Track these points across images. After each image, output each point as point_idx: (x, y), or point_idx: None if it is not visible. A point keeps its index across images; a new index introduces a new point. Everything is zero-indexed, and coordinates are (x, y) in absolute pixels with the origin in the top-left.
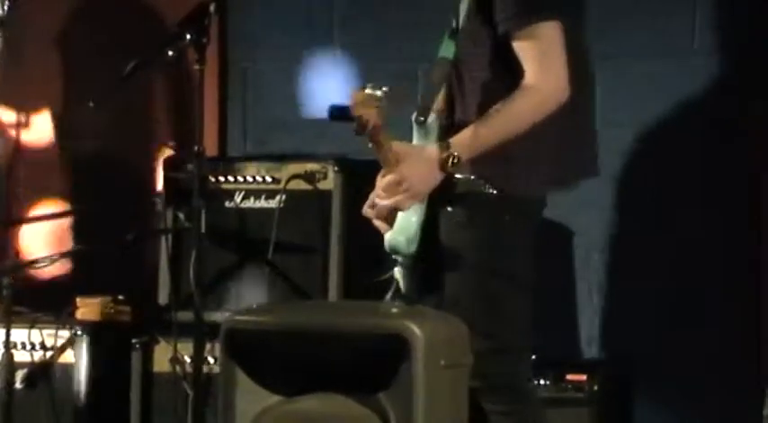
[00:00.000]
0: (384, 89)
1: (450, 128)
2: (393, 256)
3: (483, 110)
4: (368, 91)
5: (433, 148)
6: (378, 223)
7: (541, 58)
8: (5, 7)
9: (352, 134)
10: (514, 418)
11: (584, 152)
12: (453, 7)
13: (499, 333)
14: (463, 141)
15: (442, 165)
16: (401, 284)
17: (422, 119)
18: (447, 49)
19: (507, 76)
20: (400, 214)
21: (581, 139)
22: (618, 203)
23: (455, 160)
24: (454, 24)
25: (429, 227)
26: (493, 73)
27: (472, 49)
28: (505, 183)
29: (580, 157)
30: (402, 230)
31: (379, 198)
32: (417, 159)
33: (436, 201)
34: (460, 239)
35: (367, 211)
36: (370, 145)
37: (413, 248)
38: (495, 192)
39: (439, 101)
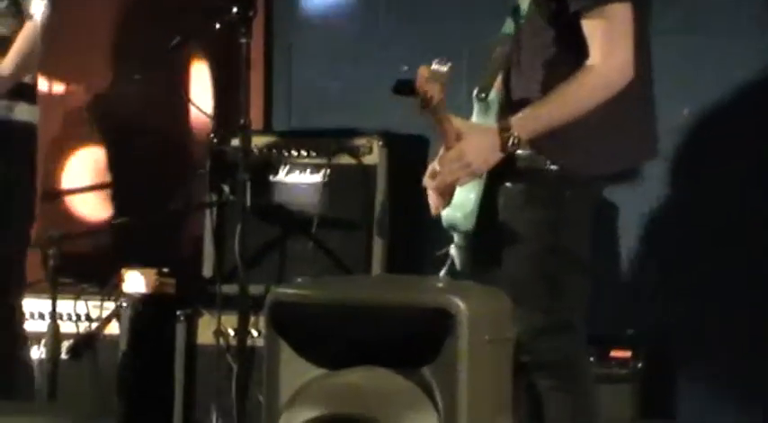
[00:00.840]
0: (450, 65)
1: (509, 105)
2: (450, 233)
3: (546, 88)
4: (434, 67)
5: (493, 127)
6: (432, 197)
7: (610, 39)
8: None
9: (397, 109)
10: (569, 395)
11: (646, 135)
12: None
13: (559, 309)
14: (524, 121)
15: (503, 144)
16: (456, 261)
17: (483, 95)
18: (509, 26)
19: (571, 54)
20: (458, 190)
21: (643, 122)
22: (664, 179)
23: (515, 140)
24: (516, 1)
25: (487, 203)
26: (557, 51)
27: (537, 26)
28: (566, 159)
29: (641, 140)
30: (460, 206)
31: (440, 173)
32: (478, 137)
33: (495, 177)
34: (519, 215)
35: (427, 181)
36: (431, 120)
37: (470, 225)
38: (555, 168)
39: (500, 78)
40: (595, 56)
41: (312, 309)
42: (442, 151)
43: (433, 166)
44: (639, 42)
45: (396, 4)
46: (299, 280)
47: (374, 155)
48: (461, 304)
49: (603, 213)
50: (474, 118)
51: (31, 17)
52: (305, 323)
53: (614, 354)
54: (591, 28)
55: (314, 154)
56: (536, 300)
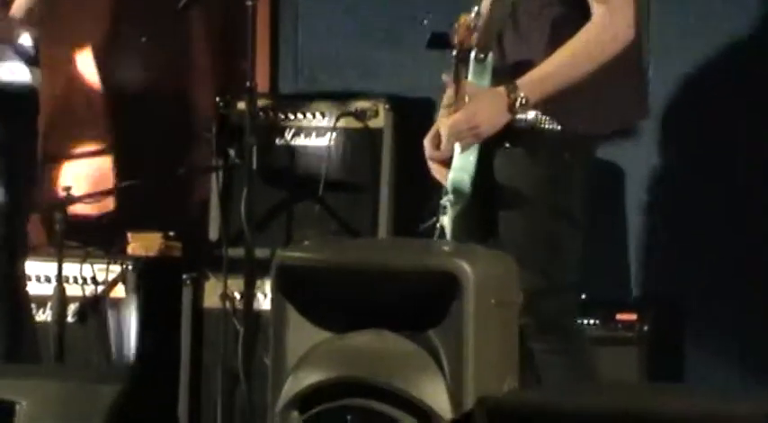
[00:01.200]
0: (480, 14)
1: (505, 68)
2: (443, 202)
3: (552, 48)
4: (471, 16)
5: (501, 90)
6: (436, 167)
7: None
8: None
9: (404, 72)
10: (564, 357)
11: (638, 95)
12: None
13: (556, 272)
14: (531, 82)
15: (511, 106)
16: (447, 232)
17: (482, 56)
18: None
19: (575, 12)
20: (457, 153)
21: (637, 80)
22: (669, 144)
23: (523, 101)
24: None
25: (484, 165)
26: (561, 9)
27: None
28: (568, 120)
29: (634, 100)
30: (463, 169)
31: (448, 137)
32: (487, 100)
33: (493, 138)
34: (519, 177)
35: (432, 151)
36: (455, 74)
37: (470, 187)
38: (557, 128)
39: (461, 36)
40: (599, 13)
41: (318, 272)
42: (443, 112)
43: (434, 131)
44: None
45: None
46: (306, 243)
47: (380, 118)
48: (468, 268)
49: (608, 176)
50: (469, 79)
51: None
52: (311, 286)
53: (620, 317)
54: None
55: (320, 117)
56: (535, 261)
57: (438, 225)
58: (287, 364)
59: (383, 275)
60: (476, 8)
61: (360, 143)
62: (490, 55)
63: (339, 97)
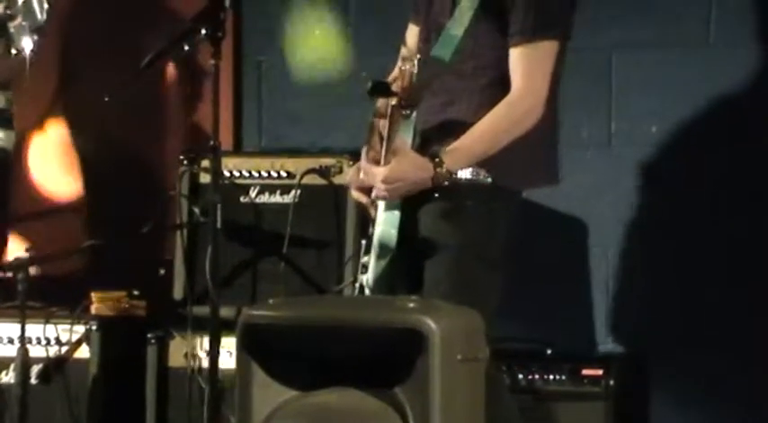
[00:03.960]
0: (418, 61)
1: (436, 125)
2: (363, 260)
3: (483, 110)
4: (414, 65)
5: (425, 161)
6: (361, 195)
7: (533, 73)
8: (44, 15)
9: (366, 127)
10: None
11: (553, 160)
12: (441, 7)
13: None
14: (455, 154)
15: (435, 180)
16: (367, 290)
17: (407, 112)
18: (441, 49)
19: (502, 81)
20: (381, 209)
21: (551, 147)
22: (633, 197)
23: (446, 173)
24: (446, 24)
25: (408, 216)
26: (493, 77)
27: (476, 52)
28: (504, 175)
29: (546, 166)
30: (389, 223)
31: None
32: (412, 166)
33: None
34: (447, 225)
35: (357, 193)
36: (394, 123)
37: (397, 241)
38: (487, 181)
39: (405, 85)
40: (517, 87)
41: (284, 330)
42: (364, 154)
43: (358, 170)
44: (558, 76)
45: (366, 21)
46: (271, 301)
47: (344, 174)
48: (433, 324)
49: (574, 231)
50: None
51: (19, 52)
52: (277, 344)
53: (586, 371)
54: (519, 60)
55: (284, 174)
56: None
57: (357, 284)
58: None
59: (349, 333)
60: (417, 57)
61: (324, 200)
62: (415, 112)
63: (303, 154)
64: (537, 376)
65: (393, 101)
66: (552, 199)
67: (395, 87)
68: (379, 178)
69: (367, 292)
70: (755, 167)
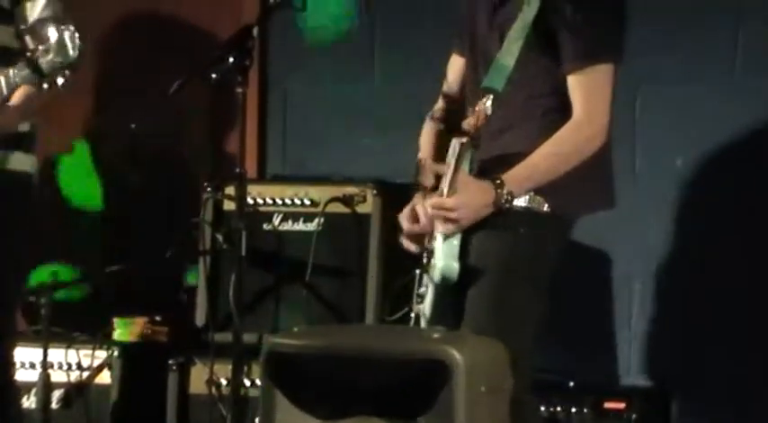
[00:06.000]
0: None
1: (495, 157)
2: (420, 291)
3: (538, 142)
4: (488, 104)
5: (488, 185)
6: (409, 239)
7: (593, 98)
8: (76, 51)
9: (392, 156)
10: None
11: (609, 185)
12: (488, 36)
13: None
14: (516, 179)
15: (496, 201)
16: (423, 320)
17: (475, 149)
18: (493, 80)
19: (561, 108)
20: (440, 241)
21: (607, 173)
22: (657, 230)
23: (509, 197)
24: (495, 54)
25: (463, 245)
26: (549, 105)
27: (528, 81)
28: (561, 203)
29: (603, 190)
30: (451, 256)
31: (429, 219)
32: (475, 193)
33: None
34: (495, 250)
35: (412, 227)
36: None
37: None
38: (543, 209)
39: (478, 125)
40: (579, 113)
41: (308, 358)
42: (431, 197)
43: (410, 208)
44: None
45: (390, 50)
46: (295, 329)
47: (368, 203)
48: (457, 355)
49: (598, 264)
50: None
51: (51, 88)
52: (301, 373)
53: (609, 405)
54: (578, 85)
55: (308, 202)
56: (496, 329)
57: (413, 314)
58: None
59: (372, 362)
60: (490, 97)
61: (347, 228)
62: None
63: (327, 182)
64: (559, 408)
65: (464, 139)
66: (577, 230)
67: (466, 126)
68: (436, 203)
69: (423, 322)
70: None
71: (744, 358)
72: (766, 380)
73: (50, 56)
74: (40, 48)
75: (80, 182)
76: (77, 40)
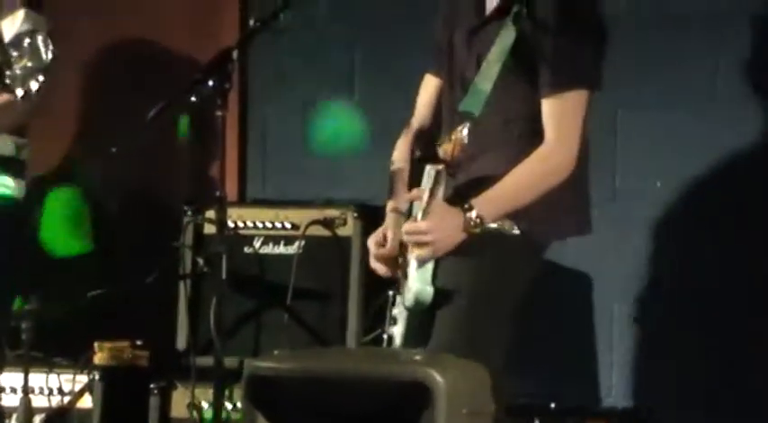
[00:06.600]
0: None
1: (470, 180)
2: (394, 313)
3: (512, 165)
4: (464, 133)
5: (456, 211)
6: (380, 266)
7: (564, 124)
8: (49, 55)
9: (372, 180)
10: None
11: (584, 210)
12: (466, 59)
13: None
14: (486, 203)
15: (466, 227)
16: (396, 342)
17: (451, 175)
18: (470, 105)
19: (537, 133)
20: (414, 267)
21: (582, 197)
22: (638, 253)
23: (478, 221)
24: (473, 77)
25: (435, 269)
26: (525, 129)
27: (505, 105)
28: (533, 227)
29: (580, 214)
30: (424, 281)
31: (398, 243)
32: (443, 215)
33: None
34: (463, 273)
35: (379, 250)
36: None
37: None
38: (515, 233)
39: (455, 153)
40: (548, 140)
41: (289, 382)
42: (391, 216)
43: (380, 233)
44: (587, 124)
45: (370, 73)
46: (275, 352)
47: (349, 226)
48: (439, 378)
49: (579, 286)
50: (423, 186)
51: (26, 94)
52: (282, 396)
53: None
54: (551, 111)
55: (288, 225)
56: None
57: (385, 335)
58: None
59: (353, 385)
60: (467, 126)
61: (328, 251)
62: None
63: (307, 205)
64: None
65: (440, 166)
66: (558, 254)
67: (442, 154)
68: (421, 229)
69: (397, 343)
70: (763, 224)
71: (725, 381)
72: (746, 402)
73: (24, 61)
74: (15, 53)
75: (62, 233)
76: (50, 45)
